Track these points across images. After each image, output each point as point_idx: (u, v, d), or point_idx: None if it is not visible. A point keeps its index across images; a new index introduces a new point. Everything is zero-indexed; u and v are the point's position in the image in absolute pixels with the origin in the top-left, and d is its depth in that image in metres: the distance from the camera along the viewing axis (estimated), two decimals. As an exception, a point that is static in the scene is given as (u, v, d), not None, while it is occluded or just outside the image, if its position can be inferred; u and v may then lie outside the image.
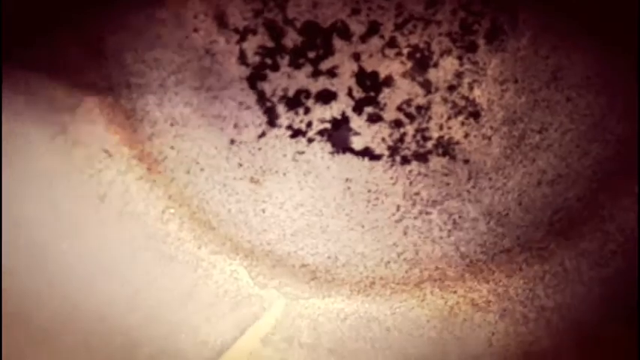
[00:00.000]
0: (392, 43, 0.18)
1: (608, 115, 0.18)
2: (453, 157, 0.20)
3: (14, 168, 0.18)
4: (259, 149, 0.20)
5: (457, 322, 0.22)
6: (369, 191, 0.21)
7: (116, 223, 0.20)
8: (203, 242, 0.22)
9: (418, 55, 0.18)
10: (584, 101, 0.18)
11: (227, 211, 0.22)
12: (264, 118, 0.20)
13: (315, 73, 0.19)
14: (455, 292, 0.22)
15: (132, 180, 0.21)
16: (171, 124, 0.20)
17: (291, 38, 0.18)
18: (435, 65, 0.18)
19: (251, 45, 0.19)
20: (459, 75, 0.18)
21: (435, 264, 0.22)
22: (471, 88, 0.18)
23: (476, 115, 0.19)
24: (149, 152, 0.21)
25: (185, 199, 0.21)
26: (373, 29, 0.18)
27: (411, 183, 0.20)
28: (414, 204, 0.21)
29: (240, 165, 0.21)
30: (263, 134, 0.20)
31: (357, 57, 0.18)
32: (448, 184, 0.20)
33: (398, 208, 0.21)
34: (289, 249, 0.22)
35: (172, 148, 0.21)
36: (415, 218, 0.21)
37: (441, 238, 0.21)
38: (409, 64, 0.18)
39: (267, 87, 0.19)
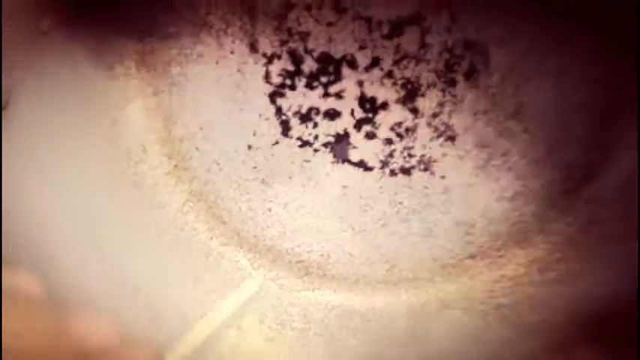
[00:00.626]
0: (389, 75, 0.22)
1: (560, 145, 0.23)
2: (432, 173, 0.24)
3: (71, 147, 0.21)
4: (272, 155, 0.24)
5: (427, 317, 0.25)
6: (361, 197, 0.25)
7: (145, 209, 0.24)
8: (215, 234, 0.25)
9: (409, 86, 0.23)
10: (541, 132, 0.22)
11: (238, 209, 0.25)
12: (279, 129, 0.24)
13: (325, 95, 0.23)
14: (426, 291, 0.25)
15: (161, 174, 0.24)
16: (200, 128, 0.24)
17: (309, 65, 0.23)
18: (423, 95, 0.23)
19: (275, 68, 0.23)
20: (441, 104, 0.23)
21: (411, 266, 0.25)
22: (450, 116, 0.23)
23: (453, 138, 0.23)
24: (178, 151, 0.24)
25: (203, 195, 0.25)
26: (375, 62, 0.22)
27: (396, 193, 0.24)
28: (397, 212, 0.25)
29: (255, 167, 0.25)
30: (277, 142, 0.24)
31: (360, 84, 0.23)
32: (427, 195, 0.24)
33: (384, 214, 0.25)
34: (288, 245, 0.26)
35: (197, 149, 0.24)
36: (398, 224, 0.25)
37: (418, 243, 0.25)
38: (402, 93, 0.23)
39: (284, 103, 0.23)
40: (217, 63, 0.23)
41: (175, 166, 0.25)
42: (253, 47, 0.22)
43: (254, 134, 0.24)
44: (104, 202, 0.22)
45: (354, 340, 0.25)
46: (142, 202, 0.24)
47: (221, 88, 0.23)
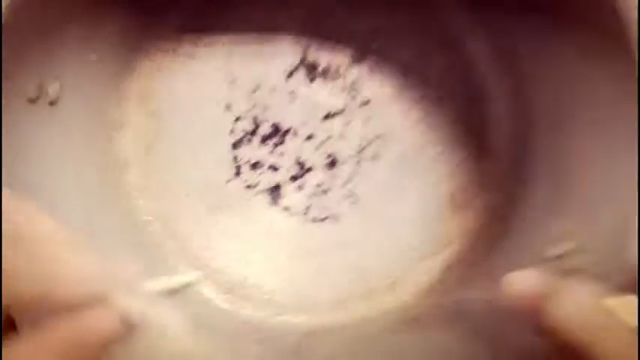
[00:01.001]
0: (318, 148, 0.32)
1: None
2: (335, 223, 0.32)
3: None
4: (223, 190, 0.32)
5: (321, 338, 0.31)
6: (282, 235, 0.32)
7: (118, 213, 0.30)
8: (164, 243, 0.32)
9: (332, 158, 0.32)
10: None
11: (186, 227, 0.32)
12: (233, 171, 0.32)
13: (272, 153, 0.32)
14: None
15: (136, 188, 0.31)
16: (174, 158, 0.31)
17: (264, 129, 0.31)
18: (339, 166, 0.32)
19: (240, 125, 0.31)
20: (351, 176, 0.32)
21: (314, 294, 0.32)
22: (355, 185, 0.32)
23: (356, 202, 0.32)
24: (152, 172, 0.31)
25: (163, 210, 0.32)
26: (310, 137, 0.31)
27: (308, 236, 0.32)
28: (307, 251, 0.32)
29: (208, 197, 0.32)
30: (229, 181, 0.32)
31: (297, 150, 0.32)
32: (330, 242, 0.32)
33: (298, 251, 0.32)
34: (218, 265, 0.32)
35: (168, 173, 0.32)
36: (306, 259, 0.32)
37: (318, 277, 0.32)
38: (325, 162, 0.32)
39: (241, 153, 0.31)
40: (198, 110, 0.31)
41: (144, 186, 0.32)
42: (228, 108, 0.31)
43: (212, 171, 0.32)
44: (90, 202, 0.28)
45: (256, 348, 0.31)
46: (116, 206, 0.30)
47: (197, 129, 0.31)
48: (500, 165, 0.30)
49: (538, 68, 0.26)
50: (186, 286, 0.30)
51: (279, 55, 0.30)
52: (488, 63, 0.30)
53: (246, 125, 0.31)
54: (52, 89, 0.22)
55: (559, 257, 0.24)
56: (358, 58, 0.30)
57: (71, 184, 0.26)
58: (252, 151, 0.31)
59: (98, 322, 0.18)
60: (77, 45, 0.23)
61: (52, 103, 0.22)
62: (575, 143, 0.24)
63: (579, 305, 0.18)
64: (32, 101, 0.21)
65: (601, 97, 0.21)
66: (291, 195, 0.32)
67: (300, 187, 0.32)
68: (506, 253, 0.28)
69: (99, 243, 0.28)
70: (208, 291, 0.32)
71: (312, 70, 0.31)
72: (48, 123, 0.23)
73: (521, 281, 0.20)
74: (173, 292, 0.30)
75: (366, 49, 0.30)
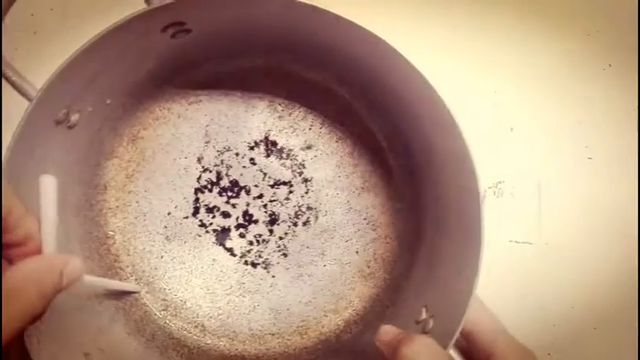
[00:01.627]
0: (265, 206, 0.39)
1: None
2: (268, 271, 0.39)
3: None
4: (180, 224, 0.39)
5: None
6: (222, 271, 0.39)
7: (84, 221, 0.37)
8: (119, 258, 0.38)
9: (273, 216, 0.39)
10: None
11: (142, 248, 0.39)
12: (191, 210, 0.39)
13: (227, 202, 0.39)
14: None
15: (107, 207, 0.38)
16: (145, 190, 0.39)
17: (224, 182, 0.39)
18: (278, 224, 0.39)
19: (205, 175, 0.39)
20: (286, 233, 0.39)
21: (244, 324, 0.39)
22: (288, 242, 0.39)
23: (285, 255, 0.39)
24: (124, 198, 0.38)
25: (125, 231, 0.38)
26: (260, 196, 0.39)
27: (243, 275, 0.39)
28: (239, 288, 0.39)
29: (165, 227, 0.39)
30: (186, 217, 0.39)
31: (247, 204, 0.39)
32: (260, 285, 0.39)
33: (231, 287, 0.39)
34: (163, 286, 0.38)
35: (137, 202, 0.39)
36: (238, 297, 0.39)
37: (249, 314, 0.39)
38: (267, 219, 0.39)
39: (202, 197, 0.39)
40: (175, 156, 0.39)
41: (117, 207, 0.38)
42: (199, 160, 0.39)
43: (175, 207, 0.39)
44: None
45: (178, 361, 0.37)
46: (89, 217, 0.37)
47: (171, 171, 0.39)
48: (398, 250, 0.39)
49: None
50: (122, 294, 0.37)
51: (248, 131, 0.39)
52: (403, 176, 0.39)
53: (211, 177, 0.39)
54: (74, 117, 0.29)
55: (422, 321, 0.32)
56: (307, 147, 0.39)
57: (60, 190, 0.33)
58: (211, 197, 0.39)
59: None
60: (100, 90, 0.31)
61: (70, 127, 0.30)
62: (443, 245, 0.33)
63: (418, 347, 0.26)
64: (58, 123, 0.28)
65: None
66: (235, 239, 0.39)
67: (242, 235, 0.39)
68: (389, 315, 0.36)
69: (66, 243, 0.34)
70: (150, 304, 0.38)
71: (270, 147, 0.39)
72: (62, 141, 0.30)
73: (386, 331, 0.28)
74: (111, 295, 0.36)
75: (314, 142, 0.39)
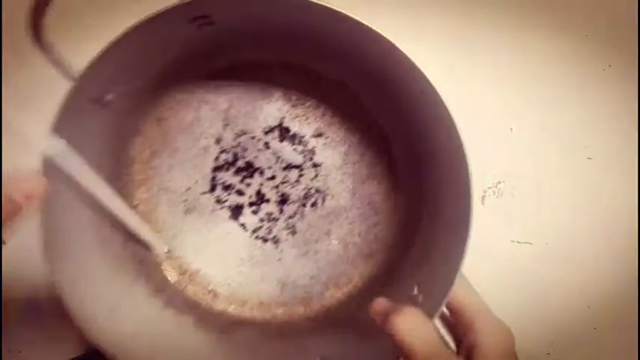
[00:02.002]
0: (276, 187, 0.43)
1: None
2: (277, 246, 0.43)
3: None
4: (198, 199, 0.42)
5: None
6: (234, 244, 0.43)
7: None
8: (146, 232, 0.42)
9: (283, 196, 0.43)
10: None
11: (163, 219, 0.42)
12: (209, 187, 0.42)
13: (241, 182, 0.43)
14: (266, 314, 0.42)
15: (133, 180, 0.42)
16: (169, 167, 0.42)
17: (240, 163, 0.43)
18: (288, 204, 0.43)
19: (222, 156, 0.43)
20: (295, 213, 0.43)
21: (255, 295, 0.42)
22: (297, 220, 0.43)
23: (294, 233, 0.43)
24: (148, 173, 0.42)
25: (148, 202, 0.42)
26: (272, 177, 0.43)
27: (253, 249, 0.43)
28: (250, 259, 0.42)
29: (185, 201, 0.42)
30: (204, 193, 0.42)
31: (261, 184, 0.43)
32: (269, 257, 0.43)
33: (242, 259, 0.42)
34: (179, 253, 0.42)
35: (159, 175, 0.42)
36: (249, 269, 0.43)
37: (260, 284, 0.43)
38: (278, 199, 0.43)
39: (219, 175, 0.42)
40: (196, 137, 0.42)
41: (141, 180, 0.42)
42: (218, 141, 0.42)
43: (194, 183, 0.42)
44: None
45: (193, 322, 0.41)
46: (117, 189, 0.40)
47: (192, 150, 0.42)
48: (397, 235, 0.42)
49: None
50: (152, 249, 0.40)
51: (264, 117, 0.42)
52: (405, 168, 0.42)
53: (228, 157, 0.42)
54: (107, 98, 0.33)
55: (413, 296, 0.35)
56: (318, 134, 0.42)
57: (93, 162, 0.37)
58: (227, 176, 0.42)
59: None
60: (132, 74, 0.34)
61: (103, 106, 0.33)
62: (436, 231, 0.36)
63: (406, 316, 0.29)
64: (93, 102, 0.32)
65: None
66: (247, 215, 0.43)
67: (255, 212, 0.43)
68: (385, 292, 0.39)
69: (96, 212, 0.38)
70: (167, 270, 0.42)
71: (284, 133, 0.42)
72: (96, 118, 0.34)
73: (379, 302, 0.31)
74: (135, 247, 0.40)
75: (324, 130, 0.42)
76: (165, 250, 0.41)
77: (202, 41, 0.35)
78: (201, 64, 0.40)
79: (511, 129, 0.44)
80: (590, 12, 0.44)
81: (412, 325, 0.29)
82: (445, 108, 0.30)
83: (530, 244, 0.43)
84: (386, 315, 0.30)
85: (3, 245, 0.41)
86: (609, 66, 0.43)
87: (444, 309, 0.32)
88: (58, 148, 0.29)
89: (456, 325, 0.32)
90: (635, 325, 0.42)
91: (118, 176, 0.40)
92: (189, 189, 0.42)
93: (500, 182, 0.44)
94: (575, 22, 0.44)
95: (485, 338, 0.30)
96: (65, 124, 0.30)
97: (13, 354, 0.41)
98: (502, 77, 0.44)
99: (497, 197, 0.44)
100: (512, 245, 0.42)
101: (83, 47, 0.37)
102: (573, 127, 0.44)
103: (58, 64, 0.30)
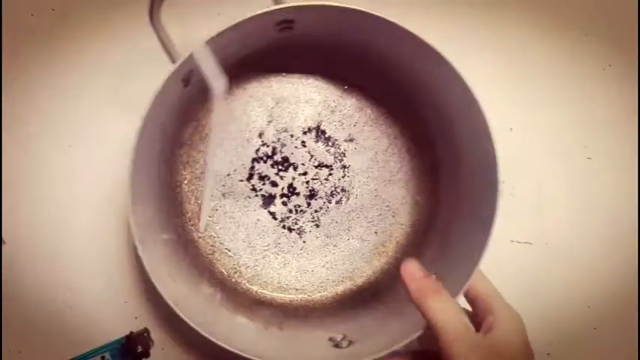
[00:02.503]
0: (307, 183, 0.47)
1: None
2: (301, 237, 0.47)
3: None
4: (236, 185, 0.46)
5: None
6: (263, 230, 0.46)
7: (159, 171, 0.43)
8: (187, 210, 0.45)
9: (312, 191, 0.47)
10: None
11: (205, 202, 0.46)
12: (246, 175, 0.46)
13: (276, 174, 0.47)
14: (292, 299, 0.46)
15: (178, 162, 0.45)
16: (213, 153, 0.46)
17: (277, 156, 0.47)
18: (315, 199, 0.47)
19: (262, 149, 0.47)
20: (320, 208, 0.47)
21: (276, 279, 0.46)
22: (322, 215, 0.47)
23: (318, 225, 0.47)
24: (194, 158, 0.45)
25: (193, 183, 0.45)
26: (304, 173, 0.47)
27: (280, 237, 0.47)
28: (276, 246, 0.46)
29: (224, 185, 0.46)
30: (242, 180, 0.46)
31: (293, 178, 0.47)
32: (293, 246, 0.47)
33: (269, 245, 0.46)
34: (212, 234, 0.46)
35: (204, 161, 0.46)
36: (274, 255, 0.46)
37: (281, 270, 0.46)
38: (307, 193, 0.47)
39: (257, 166, 0.47)
40: (241, 129, 0.46)
41: (187, 162, 0.46)
42: (260, 135, 0.47)
43: (234, 170, 0.46)
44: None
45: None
46: (165, 168, 0.44)
47: (236, 140, 0.46)
48: (411, 236, 0.47)
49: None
50: (200, 224, 0.44)
51: (304, 118, 0.47)
52: (425, 175, 0.48)
53: (267, 150, 0.47)
54: (192, 80, 0.37)
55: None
56: (349, 139, 0.48)
57: (154, 139, 0.40)
58: (264, 168, 0.47)
59: None
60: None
61: (185, 86, 0.37)
62: (454, 230, 0.42)
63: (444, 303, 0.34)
64: (183, 81, 0.36)
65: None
66: (278, 205, 0.47)
67: (285, 203, 0.47)
68: (397, 287, 0.44)
69: (148, 184, 0.41)
70: (201, 246, 0.45)
71: (319, 135, 0.47)
72: (182, 93, 0.38)
73: (412, 264, 0.36)
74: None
75: (356, 136, 0.47)
76: (203, 230, 0.44)
77: (278, 43, 0.40)
78: (259, 62, 0.45)
79: (511, 129, 0.43)
80: (590, 12, 0.43)
81: (443, 305, 0.33)
82: (482, 115, 0.36)
83: (530, 244, 0.43)
84: (421, 289, 0.35)
85: (3, 245, 0.43)
86: (609, 66, 0.43)
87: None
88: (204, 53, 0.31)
89: (474, 313, 0.37)
90: (635, 325, 0.41)
91: (171, 155, 0.44)
92: (228, 175, 0.46)
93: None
94: (575, 22, 0.43)
95: (504, 320, 0.34)
96: (165, 89, 0.33)
97: (13, 354, 0.41)
98: (502, 77, 0.43)
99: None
100: (512, 245, 0.42)
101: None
102: (573, 127, 0.43)
103: (167, 46, 0.34)
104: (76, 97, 0.44)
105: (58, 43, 0.43)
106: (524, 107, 0.44)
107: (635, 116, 0.43)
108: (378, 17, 0.35)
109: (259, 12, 0.34)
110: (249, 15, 0.33)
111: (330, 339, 0.41)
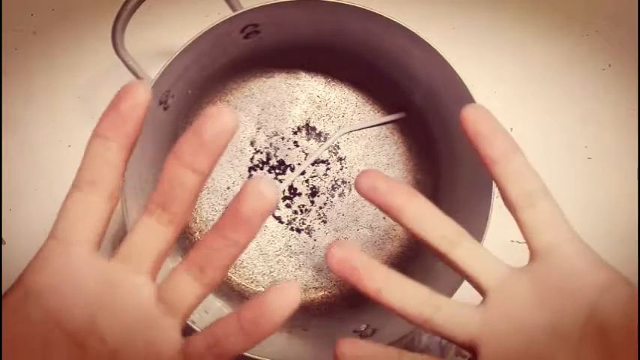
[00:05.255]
0: (307, 181, 0.47)
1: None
2: (310, 235, 0.47)
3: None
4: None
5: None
6: (272, 236, 0.47)
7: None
8: (194, 239, 0.45)
9: (314, 189, 0.47)
10: (363, 232, 0.47)
11: (210, 218, 0.46)
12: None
13: (275, 178, 0.47)
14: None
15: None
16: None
17: (273, 161, 0.47)
18: (318, 196, 0.47)
19: (258, 156, 0.47)
20: (325, 204, 0.47)
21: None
22: (327, 210, 0.47)
23: (325, 222, 0.47)
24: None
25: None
26: (302, 173, 0.47)
27: (289, 239, 0.47)
28: (287, 249, 0.47)
29: (225, 199, 0.47)
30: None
31: (292, 181, 0.47)
32: (304, 246, 0.47)
33: (280, 249, 0.47)
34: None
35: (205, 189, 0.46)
36: (286, 257, 0.47)
37: (296, 272, 0.47)
38: (309, 191, 0.47)
39: (254, 174, 0.47)
40: (233, 140, 0.47)
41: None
42: (252, 143, 0.47)
43: (233, 182, 0.47)
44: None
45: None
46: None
47: (229, 152, 0.47)
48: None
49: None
50: None
51: (292, 119, 0.47)
52: (422, 153, 0.47)
53: (262, 157, 0.47)
54: (170, 101, 0.37)
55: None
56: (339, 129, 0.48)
57: (150, 166, 0.41)
58: (262, 174, 0.47)
59: None
60: (190, 86, 0.39)
61: (165, 108, 0.38)
62: (455, 199, 0.41)
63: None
64: (160, 103, 0.36)
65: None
66: (282, 209, 0.47)
67: (289, 205, 0.47)
68: (412, 268, 0.44)
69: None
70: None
71: (310, 132, 0.47)
72: (159, 120, 0.38)
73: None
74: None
75: (345, 127, 0.47)
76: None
77: (245, 50, 0.40)
78: (237, 72, 0.45)
79: (511, 129, 0.45)
80: (590, 12, 0.44)
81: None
82: (464, 86, 0.36)
83: (531, 243, 0.44)
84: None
85: (3, 245, 0.44)
86: (609, 66, 0.43)
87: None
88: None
89: None
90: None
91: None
92: (228, 188, 0.46)
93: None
94: (575, 22, 0.44)
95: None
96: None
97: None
98: (502, 77, 0.44)
99: (497, 197, 0.43)
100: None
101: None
102: (573, 127, 0.44)
103: (132, 66, 0.34)
104: (76, 97, 0.45)
105: (58, 43, 0.44)
106: (524, 107, 0.44)
107: (635, 116, 0.43)
108: (348, 6, 0.35)
109: (218, 22, 0.34)
110: (207, 27, 0.34)
111: (355, 330, 0.41)
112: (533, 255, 0.23)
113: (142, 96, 0.19)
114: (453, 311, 0.22)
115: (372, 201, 0.23)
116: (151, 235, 0.20)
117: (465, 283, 0.23)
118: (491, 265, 0.23)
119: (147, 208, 0.20)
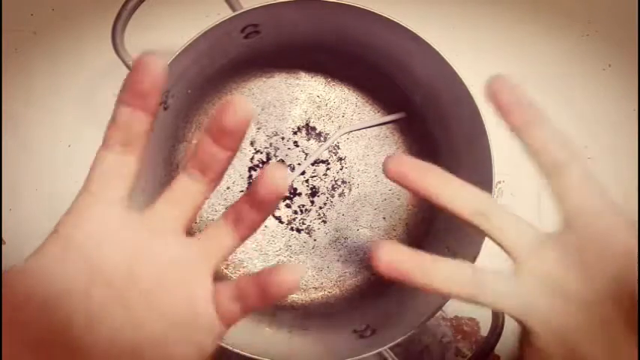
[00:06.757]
0: (307, 181, 0.47)
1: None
2: (310, 235, 0.47)
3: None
4: (237, 197, 0.47)
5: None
6: (272, 235, 0.47)
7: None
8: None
9: (314, 189, 0.47)
10: (363, 232, 0.47)
11: (206, 218, 0.46)
12: (246, 185, 0.47)
13: (275, 178, 0.47)
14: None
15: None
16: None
17: (274, 161, 0.47)
18: (318, 196, 0.47)
19: (258, 156, 0.47)
20: (324, 204, 0.47)
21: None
22: (327, 210, 0.47)
23: (325, 222, 0.47)
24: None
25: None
26: (302, 173, 0.47)
27: (289, 239, 0.47)
28: (287, 249, 0.47)
29: (225, 199, 0.47)
30: (242, 191, 0.47)
31: (292, 181, 0.47)
32: (304, 246, 0.47)
33: (280, 249, 0.47)
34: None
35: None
36: (287, 257, 0.47)
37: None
38: (309, 192, 0.47)
39: (254, 174, 0.47)
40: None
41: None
42: (252, 143, 0.47)
43: (232, 183, 0.47)
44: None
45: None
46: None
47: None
48: (418, 214, 0.47)
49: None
50: None
51: (292, 118, 0.47)
52: (422, 152, 0.47)
53: (262, 157, 0.47)
54: (170, 101, 0.37)
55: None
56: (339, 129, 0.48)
57: (151, 167, 0.41)
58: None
59: None
60: (187, 81, 0.39)
61: (165, 108, 0.38)
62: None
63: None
64: (160, 103, 0.36)
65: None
66: (282, 209, 0.47)
67: (289, 205, 0.47)
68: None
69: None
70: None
71: (310, 132, 0.47)
72: (159, 120, 0.38)
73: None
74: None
75: (345, 127, 0.47)
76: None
77: (246, 50, 0.40)
78: (238, 72, 0.45)
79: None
80: (590, 12, 0.44)
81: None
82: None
83: (531, 244, 0.44)
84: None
85: (3, 245, 0.44)
86: (609, 66, 0.43)
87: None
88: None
89: None
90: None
91: (169, 179, 0.44)
92: (228, 188, 0.46)
93: (500, 182, 0.45)
94: (575, 22, 0.44)
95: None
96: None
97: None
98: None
99: (497, 197, 0.44)
100: None
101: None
102: (573, 127, 0.43)
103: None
104: (75, 97, 0.45)
105: (58, 43, 0.44)
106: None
107: (635, 116, 0.43)
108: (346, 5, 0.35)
109: (218, 22, 0.34)
110: (207, 27, 0.34)
111: (354, 331, 0.41)
112: (563, 221, 0.23)
113: (158, 70, 0.22)
114: (496, 286, 0.23)
115: (402, 185, 0.25)
116: (190, 188, 0.23)
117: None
118: (524, 232, 0.23)
119: (185, 168, 0.23)
